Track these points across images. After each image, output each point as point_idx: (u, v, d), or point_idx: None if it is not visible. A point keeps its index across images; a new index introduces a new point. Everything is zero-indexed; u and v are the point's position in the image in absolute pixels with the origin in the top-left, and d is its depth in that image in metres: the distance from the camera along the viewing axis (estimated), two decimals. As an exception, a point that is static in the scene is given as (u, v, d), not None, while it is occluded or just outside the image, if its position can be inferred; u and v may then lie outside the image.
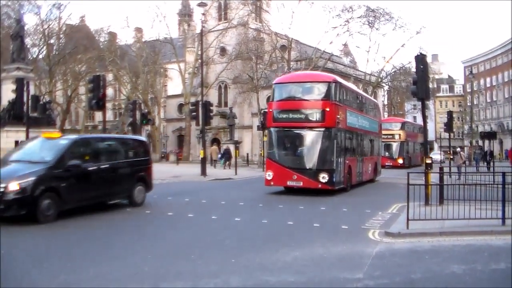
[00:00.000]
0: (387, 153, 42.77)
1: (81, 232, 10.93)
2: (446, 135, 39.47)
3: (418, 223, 10.90)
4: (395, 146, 44.54)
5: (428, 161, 15.17)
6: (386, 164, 41.12)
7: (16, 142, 17.31)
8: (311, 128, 18.92)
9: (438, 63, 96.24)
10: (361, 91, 29.73)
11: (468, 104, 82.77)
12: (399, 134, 44.92)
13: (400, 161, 43.90)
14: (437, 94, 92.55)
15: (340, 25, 46.99)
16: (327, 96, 18.98)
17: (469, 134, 74.18)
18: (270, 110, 20.11)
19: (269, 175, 19.28)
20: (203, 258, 8.37)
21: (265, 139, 25.72)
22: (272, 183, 19.28)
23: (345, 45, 57.12)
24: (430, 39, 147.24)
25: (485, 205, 11.95)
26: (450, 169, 26.08)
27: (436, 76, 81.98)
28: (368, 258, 8.40)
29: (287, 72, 46.60)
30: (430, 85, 39.57)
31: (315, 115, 18.90)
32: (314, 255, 8.72)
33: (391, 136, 43.30)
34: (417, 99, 16.82)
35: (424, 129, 16.83)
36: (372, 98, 30.08)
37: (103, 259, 8.29)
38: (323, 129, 18.62)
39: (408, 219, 10.82)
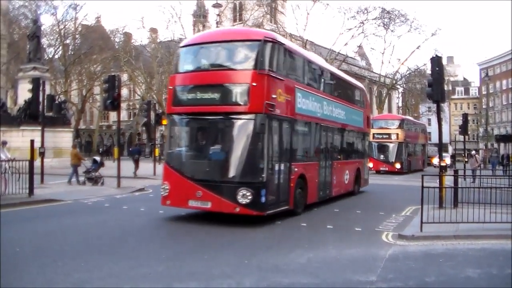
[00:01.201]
0: (382, 156, 38.51)
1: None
2: (461, 137, 39.01)
3: (432, 226, 10.83)
4: (391, 147, 38.47)
5: (443, 163, 15.08)
6: (381, 169, 38.05)
7: (32, 141, 17.35)
8: (228, 114, 11.98)
9: (453, 65, 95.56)
10: (330, 66, 20.69)
11: (484, 106, 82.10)
12: (397, 134, 38.57)
13: (398, 165, 38.01)
14: (452, 97, 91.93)
15: (355, 26, 46.94)
16: (257, 64, 11.83)
17: (484, 137, 73.51)
18: (171, 87, 13.22)
19: (165, 189, 12.49)
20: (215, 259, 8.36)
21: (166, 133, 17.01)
22: (168, 201, 12.45)
23: (360, 46, 56.92)
24: (445, 41, 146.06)
25: (500, 208, 11.87)
26: (464, 172, 25.59)
27: (452, 79, 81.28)
28: (381, 261, 8.37)
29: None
30: (445, 87, 39.11)
31: (235, 94, 12.07)
32: (327, 257, 8.71)
33: (387, 136, 38.67)
34: (432, 102, 16.74)
35: (439, 132, 16.68)
36: (354, 80, 22.46)
37: (116, 258, 8.33)
38: (247, 116, 11.68)
39: (422, 222, 10.76)
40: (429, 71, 20.23)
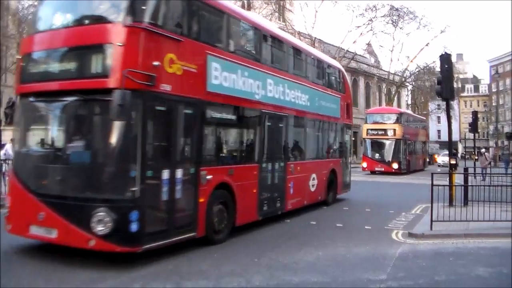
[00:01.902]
0: (377, 154, 34.73)
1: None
2: (471, 135, 38.73)
3: (442, 224, 10.79)
4: (388, 145, 34.28)
5: (453, 161, 15.00)
6: (377, 169, 34.44)
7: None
8: (85, 94, 7.79)
9: (463, 62, 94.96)
10: (287, 35, 15.67)
11: (494, 104, 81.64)
12: (394, 130, 34.21)
13: (395, 165, 33.71)
14: (462, 94, 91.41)
15: (364, 24, 46.61)
16: (129, 14, 7.67)
17: (494, 134, 73.16)
18: (20, 56, 9.56)
19: (6, 208, 8.73)
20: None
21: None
22: (8, 226, 8.33)
23: (369, 44, 56.70)
24: (455, 38, 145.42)
25: (511, 207, 11.78)
26: (474, 170, 25.40)
27: (461, 76, 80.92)
28: (391, 259, 8.36)
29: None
30: (455, 85, 38.75)
31: (94, 62, 8.05)
32: (336, 255, 8.69)
33: (382, 132, 34.58)
34: (442, 99, 16.64)
35: (448, 129, 16.58)
36: (326, 56, 18.16)
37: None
38: (107, 95, 7.31)
39: (432, 220, 10.73)
40: (438, 69, 20.07)
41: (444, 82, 14.66)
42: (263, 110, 11.50)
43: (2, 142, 17.37)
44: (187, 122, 8.73)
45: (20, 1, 49.77)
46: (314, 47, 47.10)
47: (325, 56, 18.04)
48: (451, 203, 13.05)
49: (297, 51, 14.19)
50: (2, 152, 15.83)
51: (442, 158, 47.04)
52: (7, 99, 28.77)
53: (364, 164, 35.39)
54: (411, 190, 21.61)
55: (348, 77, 56.41)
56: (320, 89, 15.21)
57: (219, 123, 10.07)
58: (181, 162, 8.52)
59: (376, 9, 46.45)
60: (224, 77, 9.82)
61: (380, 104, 58.59)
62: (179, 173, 8.29)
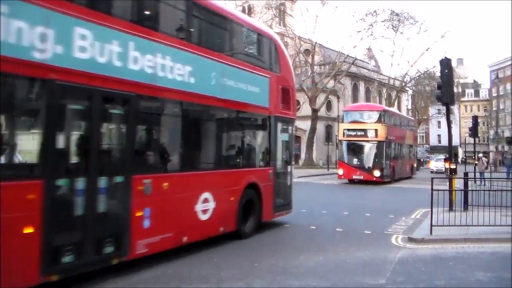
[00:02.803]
0: (355, 159, 29.17)
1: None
2: (471, 140, 38.64)
3: (442, 229, 10.79)
4: (368, 148, 28.92)
5: (453, 166, 15.01)
6: (355, 177, 29.07)
7: None
8: None
9: (463, 67, 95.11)
10: None
11: (494, 108, 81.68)
12: (376, 130, 28.76)
13: (377, 172, 28.32)
14: (462, 99, 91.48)
15: (364, 29, 46.74)
16: None
17: (494, 139, 73.16)
18: None
19: None
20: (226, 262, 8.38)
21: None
22: None
23: (369, 49, 56.83)
24: (455, 43, 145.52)
25: (511, 211, 11.78)
26: (474, 175, 25.34)
27: (461, 81, 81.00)
28: (391, 264, 8.36)
29: (311, 76, 46.68)
30: (455, 90, 38.53)
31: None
32: (337, 260, 8.70)
33: (362, 133, 29.04)
34: (442, 104, 16.65)
35: (449, 134, 16.58)
36: (243, 16, 13.07)
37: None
38: None
39: (431, 225, 10.73)
40: (438, 73, 20.08)
41: (444, 87, 14.68)
42: (74, 85, 6.56)
43: None
44: None
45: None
46: (314, 52, 47.81)
47: (244, 17, 12.85)
48: (451, 208, 13.06)
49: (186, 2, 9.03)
50: None
51: (436, 163, 45.75)
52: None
53: (340, 171, 29.96)
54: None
55: (348, 82, 56.57)
56: (226, 62, 10.11)
57: None
58: None
59: (376, 14, 46.58)
60: None
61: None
62: None
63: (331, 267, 8.15)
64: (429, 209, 11.15)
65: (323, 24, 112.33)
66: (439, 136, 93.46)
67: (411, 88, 61.55)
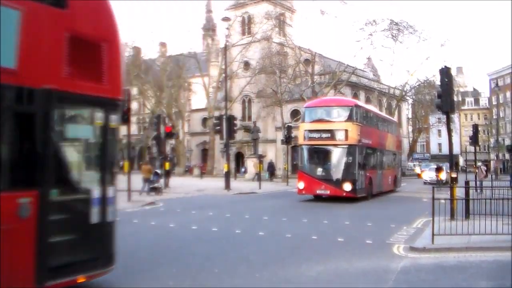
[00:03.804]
0: (320, 169, 22.46)
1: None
2: (472, 148, 38.61)
3: (444, 238, 10.77)
4: (336, 155, 22.36)
5: (454, 175, 15.02)
6: (319, 192, 22.30)
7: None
8: None
9: (463, 76, 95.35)
10: None
11: (494, 117, 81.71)
12: (346, 131, 22.00)
13: (347, 186, 21.41)
14: (462, 107, 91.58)
15: (364, 38, 46.87)
16: None
17: (495, 147, 73.10)
18: None
19: None
20: (227, 272, 8.37)
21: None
22: None
23: (369, 58, 56.99)
24: (455, 51, 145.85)
25: (512, 220, 11.77)
26: (476, 183, 25.25)
27: (461, 89, 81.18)
28: (393, 273, 8.34)
29: (311, 86, 46.81)
30: (455, 98, 38.48)
31: None
32: (338, 269, 8.68)
33: (328, 135, 22.41)
34: (442, 113, 16.69)
35: (449, 143, 16.56)
36: None
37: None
38: None
39: (433, 234, 10.70)
40: (438, 82, 20.12)
41: (444, 96, 14.73)
42: None
43: None
44: None
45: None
46: (314, 61, 47.90)
47: None
48: (452, 217, 13.05)
49: None
50: None
51: (429, 173, 39.43)
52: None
53: (301, 185, 22.84)
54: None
55: (348, 91, 56.62)
56: None
57: None
58: None
59: (376, 23, 46.72)
60: None
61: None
62: None
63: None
64: (430, 218, 11.15)
65: (323, 34, 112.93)
66: (439, 144, 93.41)
67: (411, 97, 61.64)
